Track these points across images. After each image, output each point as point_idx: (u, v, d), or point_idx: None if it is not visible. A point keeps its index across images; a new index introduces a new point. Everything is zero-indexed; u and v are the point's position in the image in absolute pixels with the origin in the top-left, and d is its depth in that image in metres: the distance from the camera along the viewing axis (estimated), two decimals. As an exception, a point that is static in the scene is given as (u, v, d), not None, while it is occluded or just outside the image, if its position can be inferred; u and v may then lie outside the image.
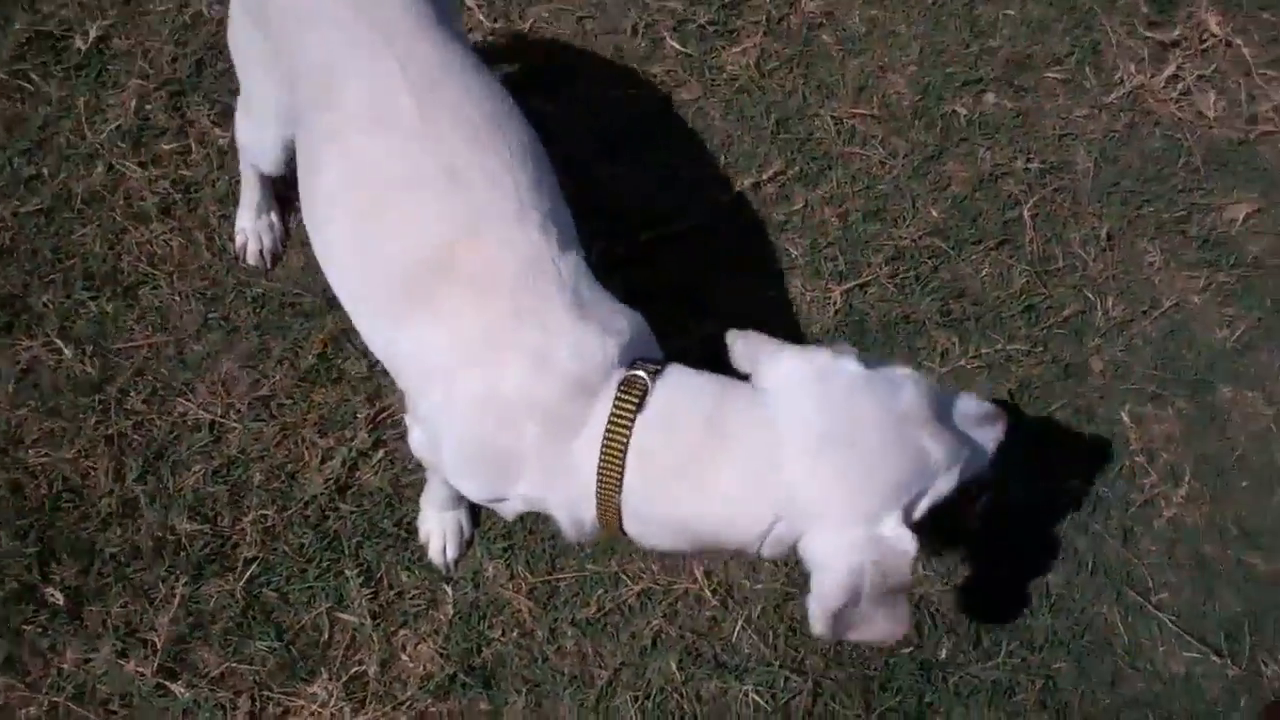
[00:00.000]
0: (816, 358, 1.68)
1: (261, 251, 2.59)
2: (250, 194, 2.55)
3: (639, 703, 2.33)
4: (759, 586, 2.45)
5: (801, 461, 1.60)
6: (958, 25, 3.10)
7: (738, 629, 2.43)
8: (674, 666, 2.36)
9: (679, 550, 1.84)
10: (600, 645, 2.39)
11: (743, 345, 1.75)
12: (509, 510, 1.83)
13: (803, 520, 1.60)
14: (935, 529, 2.38)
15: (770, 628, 2.43)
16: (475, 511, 2.41)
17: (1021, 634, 2.44)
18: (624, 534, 1.72)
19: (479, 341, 1.68)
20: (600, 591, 2.42)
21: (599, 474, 1.65)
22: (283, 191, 2.60)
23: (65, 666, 2.34)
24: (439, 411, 1.77)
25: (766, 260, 2.75)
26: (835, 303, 2.72)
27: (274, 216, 2.59)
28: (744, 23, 3.06)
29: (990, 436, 1.76)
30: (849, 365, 1.67)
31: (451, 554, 2.41)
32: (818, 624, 1.63)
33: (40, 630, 2.36)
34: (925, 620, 2.44)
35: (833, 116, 2.94)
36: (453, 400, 1.73)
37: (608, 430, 1.64)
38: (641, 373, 1.65)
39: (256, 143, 2.29)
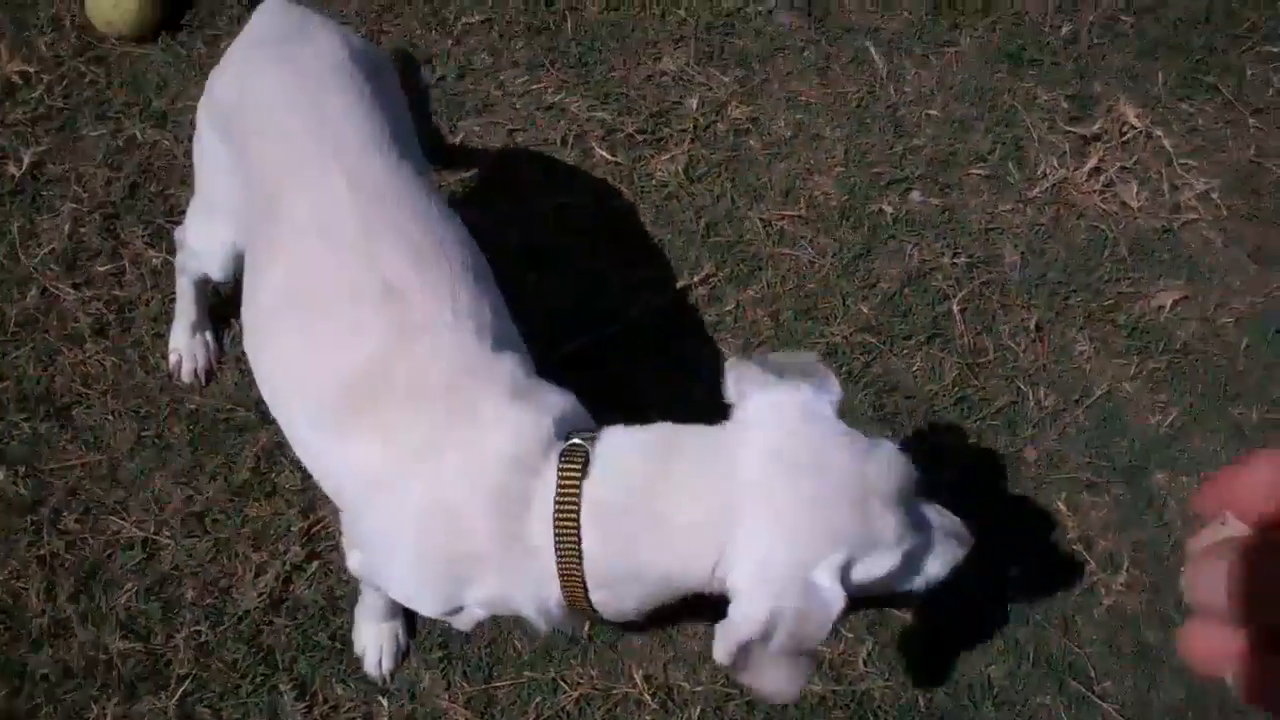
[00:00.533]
0: (804, 394, 1.69)
1: (196, 370, 2.69)
2: (186, 311, 2.65)
3: (579, 809, 2.38)
4: (699, 689, 2.52)
5: (754, 490, 1.61)
6: (881, 127, 3.27)
7: (680, 734, 2.48)
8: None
9: (648, 609, 1.80)
10: (540, 752, 2.45)
11: (734, 376, 1.75)
12: (467, 620, 1.86)
13: (742, 547, 1.61)
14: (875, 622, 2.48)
15: (714, 731, 2.49)
16: (411, 621, 2.48)
17: (964, 727, 2.51)
18: (592, 609, 1.73)
19: (417, 451, 1.70)
20: (538, 699, 2.49)
21: (556, 546, 1.66)
22: (216, 309, 2.71)
23: None
24: (384, 532, 1.79)
25: (701, 361, 2.86)
26: (767, 401, 2.82)
27: (208, 335, 2.69)
28: (671, 131, 3.22)
29: (947, 553, 1.79)
30: (830, 412, 1.69)
31: (387, 666, 2.46)
32: (721, 651, 1.62)
33: None
34: (869, 717, 2.51)
35: (761, 219, 3.08)
36: (399, 517, 1.77)
37: (557, 500, 1.66)
38: (578, 439, 1.66)
39: (208, 247, 2.38)
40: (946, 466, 2.78)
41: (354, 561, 2.00)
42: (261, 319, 2.00)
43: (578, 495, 1.66)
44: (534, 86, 3.27)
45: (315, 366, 1.87)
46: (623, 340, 2.87)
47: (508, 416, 1.74)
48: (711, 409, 2.64)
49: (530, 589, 1.74)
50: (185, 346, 2.69)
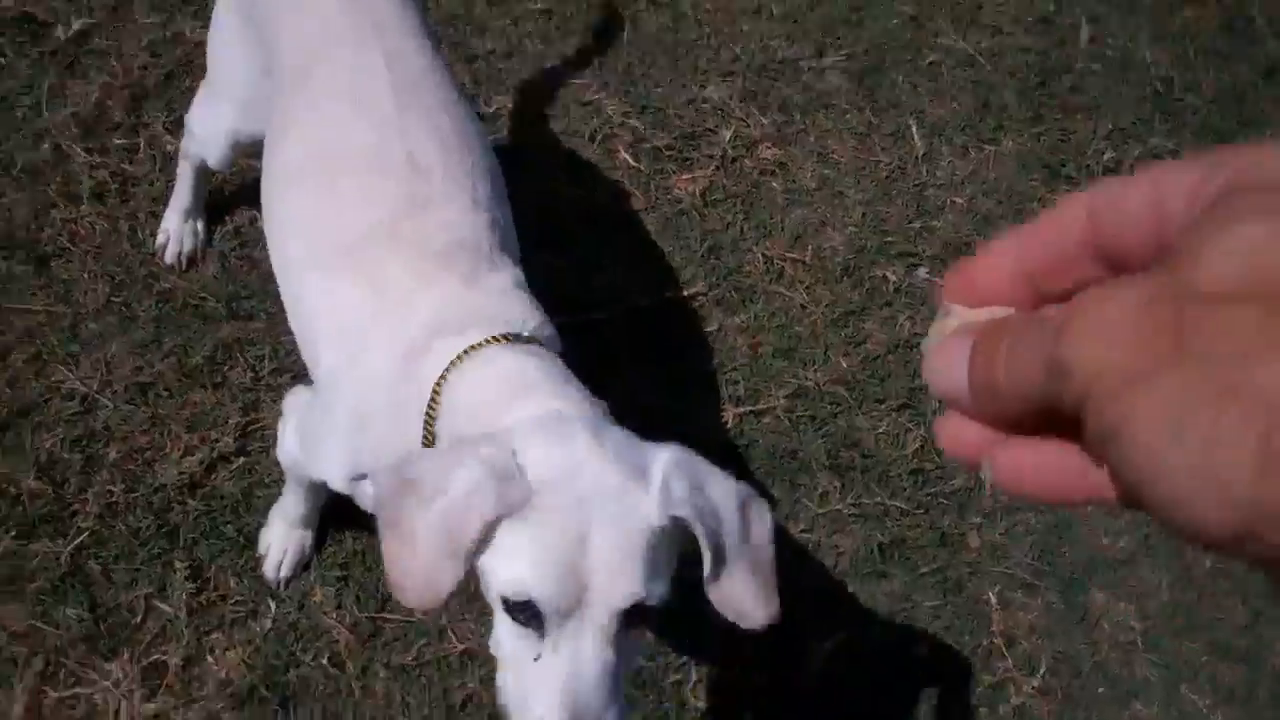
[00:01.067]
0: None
1: (180, 254, 2.81)
2: (182, 196, 2.78)
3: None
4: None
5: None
6: (905, 201, 3.39)
7: None
8: (480, 733, 2.47)
9: None
10: (410, 694, 2.50)
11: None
12: (366, 495, 1.92)
13: None
14: (778, 679, 2.54)
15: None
16: (320, 539, 2.56)
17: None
18: None
19: (394, 302, 1.81)
20: (423, 642, 2.55)
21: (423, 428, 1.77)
22: (212, 203, 2.84)
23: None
24: (333, 375, 1.93)
25: (672, 368, 2.97)
26: (729, 422, 2.92)
27: (199, 224, 2.82)
28: (699, 155, 3.36)
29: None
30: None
31: (285, 572, 2.52)
32: None
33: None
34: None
35: (765, 255, 3.20)
36: (354, 367, 1.88)
37: (433, 388, 1.77)
38: (525, 334, 1.77)
39: (213, 132, 2.51)
40: (886, 530, 2.84)
41: (287, 441, 2.10)
42: (282, 174, 2.11)
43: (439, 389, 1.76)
44: (575, 81, 3.41)
45: (326, 217, 1.99)
46: (603, 328, 2.97)
47: (496, 287, 1.87)
48: (671, 417, 2.75)
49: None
50: (175, 229, 2.81)
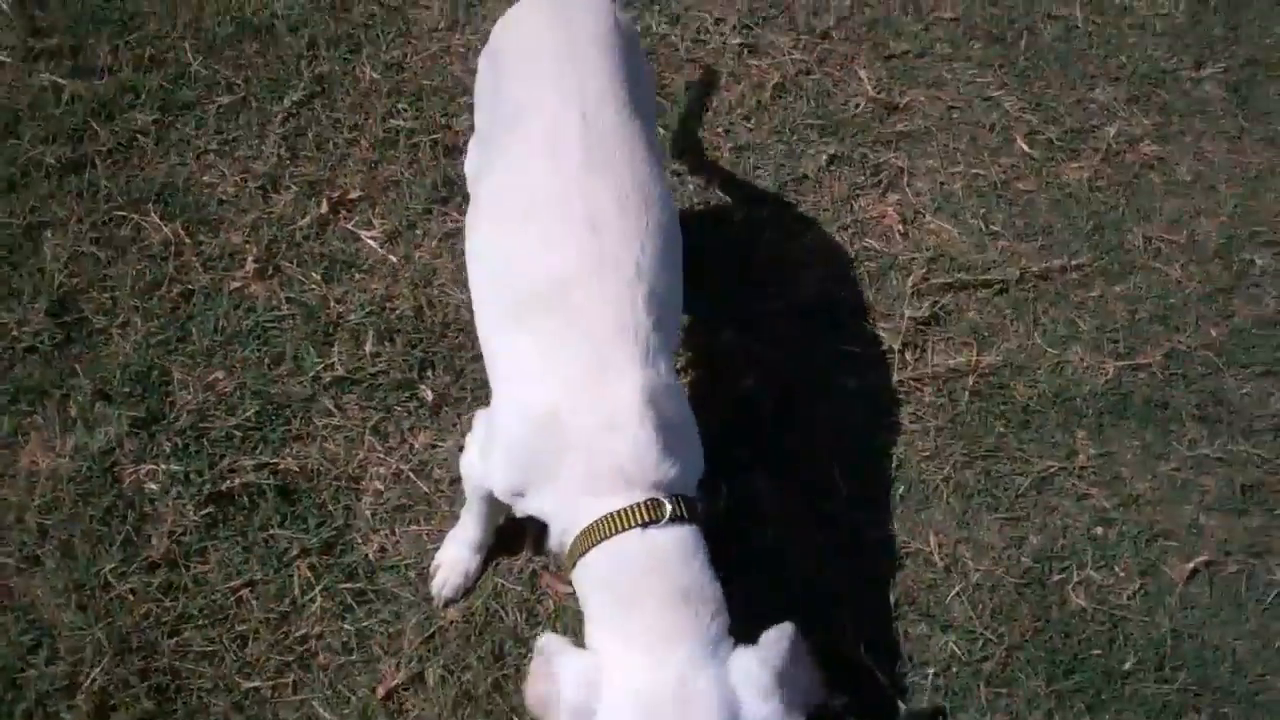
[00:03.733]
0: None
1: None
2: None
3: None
4: (980, 569, 3.14)
5: None
6: (1275, 198, 3.86)
7: (953, 594, 3.10)
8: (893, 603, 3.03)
9: None
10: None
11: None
12: (520, 508, 2.28)
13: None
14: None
15: (982, 601, 3.09)
16: (483, 569, 2.94)
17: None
18: (571, 569, 2.17)
19: (563, 371, 2.14)
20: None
21: (584, 534, 2.12)
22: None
23: (417, 444, 3.21)
24: (508, 408, 2.26)
25: (1054, 324, 3.49)
26: (1108, 374, 3.44)
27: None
28: (1086, 147, 3.90)
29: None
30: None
31: (446, 595, 2.91)
32: None
33: (405, 414, 3.25)
34: (1118, 636, 3.05)
35: (1144, 235, 3.70)
36: (526, 403, 2.18)
37: (610, 520, 2.09)
38: (668, 506, 2.09)
39: (479, 173, 2.76)
40: (1247, 474, 3.31)
41: (469, 455, 2.52)
42: (482, 205, 2.46)
43: (620, 533, 2.08)
44: (979, 79, 4.00)
45: (510, 257, 2.30)
46: (994, 287, 3.55)
47: (644, 434, 2.13)
48: (1053, 369, 3.28)
49: (560, 531, 2.19)
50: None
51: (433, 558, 2.93)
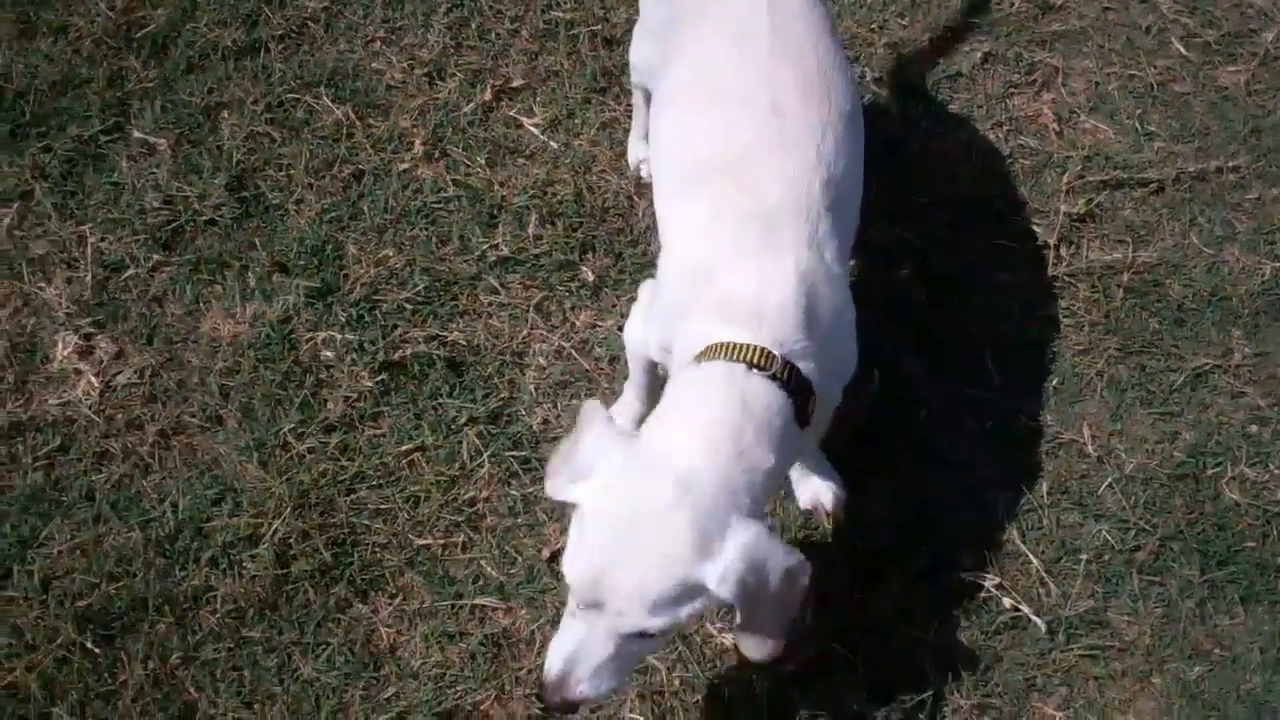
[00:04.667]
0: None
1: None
2: (639, 122, 3.23)
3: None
4: (1134, 461, 3.06)
5: None
6: None
7: (1105, 484, 3.04)
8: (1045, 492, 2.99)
9: None
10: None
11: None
12: (663, 361, 2.39)
13: None
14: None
15: (1135, 492, 3.02)
16: None
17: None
18: None
19: (731, 236, 2.15)
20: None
21: (699, 354, 2.13)
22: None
23: (578, 323, 3.20)
24: (673, 267, 2.28)
25: (1210, 224, 3.37)
26: (1264, 275, 3.32)
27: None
28: (1243, 51, 3.75)
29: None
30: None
31: None
32: None
33: (567, 294, 3.24)
34: (1272, 531, 2.97)
35: (1310, 138, 3.58)
36: (689, 259, 2.22)
37: (723, 347, 2.10)
38: (779, 361, 2.07)
39: (645, 60, 2.82)
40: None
41: (634, 315, 2.58)
42: (666, 94, 2.46)
43: (718, 355, 2.09)
44: (1135, -21, 3.87)
45: (692, 139, 2.30)
46: (1154, 185, 3.45)
47: (789, 309, 2.11)
48: (1209, 267, 3.32)
49: (686, 348, 2.17)
50: (642, 156, 3.26)
51: None
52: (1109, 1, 3.75)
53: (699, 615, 2.01)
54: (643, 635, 1.94)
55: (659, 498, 1.89)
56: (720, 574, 1.87)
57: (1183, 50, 3.64)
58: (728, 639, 2.66)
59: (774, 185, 2.16)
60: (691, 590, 1.89)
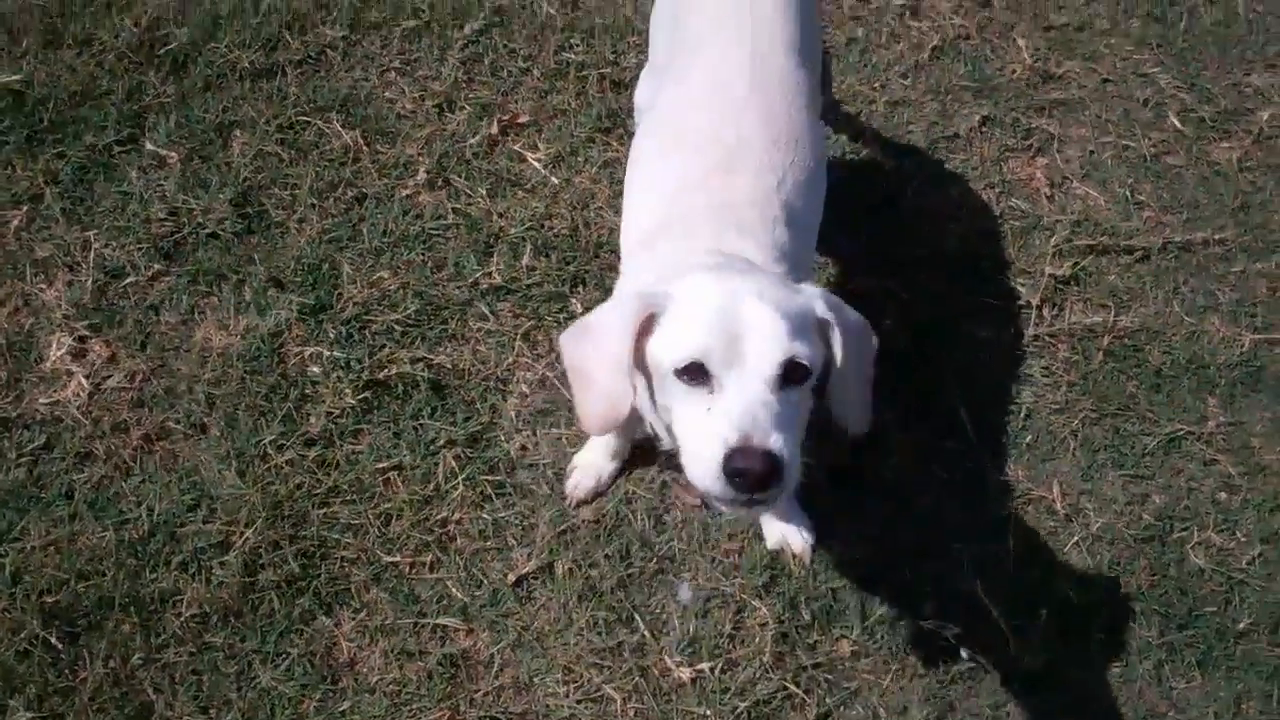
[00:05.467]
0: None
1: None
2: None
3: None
4: (1101, 521, 2.98)
5: None
6: None
7: (1072, 542, 2.96)
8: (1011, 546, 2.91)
9: None
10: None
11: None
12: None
13: None
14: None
15: (1100, 552, 2.92)
16: (618, 475, 2.92)
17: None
18: None
19: (692, 216, 2.26)
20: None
21: None
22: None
23: (564, 354, 3.15)
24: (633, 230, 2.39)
25: (1193, 294, 3.31)
26: (1244, 346, 3.26)
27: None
28: (1238, 129, 3.70)
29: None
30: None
31: (578, 496, 2.87)
32: None
33: (555, 324, 3.19)
34: (1235, 598, 2.89)
35: (1294, 219, 3.52)
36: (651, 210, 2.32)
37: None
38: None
39: (647, 101, 2.83)
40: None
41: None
42: (648, 126, 2.54)
43: None
44: (1136, 56, 3.83)
45: (663, 166, 2.39)
46: (1134, 254, 3.39)
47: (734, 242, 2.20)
48: (1188, 336, 3.20)
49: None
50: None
51: (570, 460, 2.81)
52: (1109, 73, 3.69)
53: (819, 361, 1.90)
54: (791, 374, 1.83)
55: (736, 268, 1.97)
56: (817, 299, 1.93)
57: (1178, 124, 3.59)
58: (685, 673, 2.58)
59: (737, 192, 2.26)
60: (806, 317, 1.89)
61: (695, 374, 1.80)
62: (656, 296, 1.91)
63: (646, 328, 1.92)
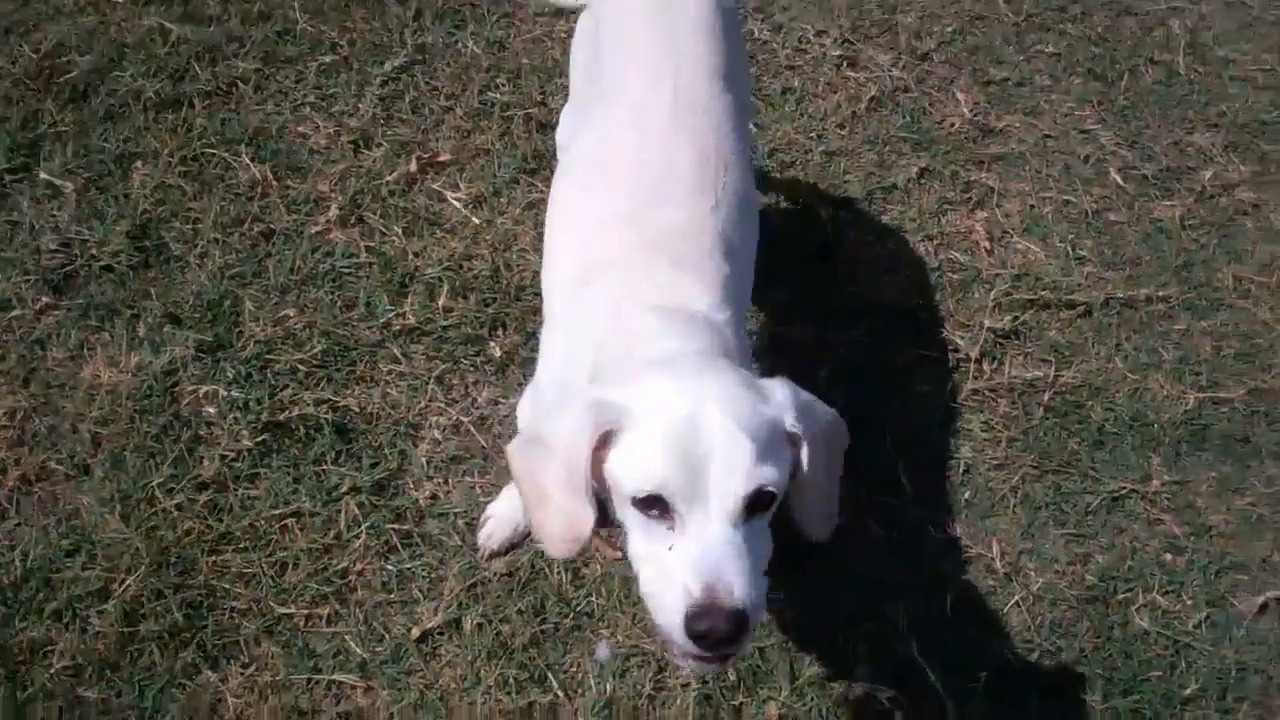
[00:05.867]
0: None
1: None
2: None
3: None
4: (1042, 580, 2.92)
5: None
6: (1371, 254, 3.66)
7: (1012, 602, 2.90)
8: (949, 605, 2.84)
9: None
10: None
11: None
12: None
13: None
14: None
15: (1042, 613, 2.86)
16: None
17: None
18: None
19: (617, 259, 2.15)
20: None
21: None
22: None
23: (480, 399, 3.06)
24: (558, 309, 2.27)
25: (1136, 351, 3.29)
26: (1188, 404, 3.23)
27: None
28: (1180, 187, 3.72)
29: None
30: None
31: (491, 547, 2.76)
32: None
33: (471, 368, 3.12)
34: (1180, 662, 2.83)
35: (1234, 275, 3.51)
36: (577, 300, 2.17)
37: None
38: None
39: (569, 138, 2.76)
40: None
41: (522, 402, 2.49)
42: (566, 166, 2.47)
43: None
44: (1077, 112, 3.86)
45: (586, 202, 2.31)
46: (1075, 309, 3.37)
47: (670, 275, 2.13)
48: (1133, 393, 3.19)
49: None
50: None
51: (484, 509, 2.72)
52: (1049, 129, 3.71)
53: (785, 480, 1.78)
54: (757, 503, 1.74)
55: (696, 369, 1.83)
56: (786, 409, 1.81)
57: (1120, 181, 3.61)
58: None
59: (670, 223, 2.19)
60: (775, 429, 1.77)
61: (654, 505, 1.72)
62: (612, 410, 1.77)
63: (604, 439, 1.80)
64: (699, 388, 1.76)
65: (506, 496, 2.75)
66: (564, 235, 2.35)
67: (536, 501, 1.89)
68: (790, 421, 1.79)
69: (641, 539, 1.77)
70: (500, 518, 2.75)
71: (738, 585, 1.68)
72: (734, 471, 1.70)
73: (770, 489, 1.72)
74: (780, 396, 1.82)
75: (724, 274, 2.16)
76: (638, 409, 1.74)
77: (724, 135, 2.37)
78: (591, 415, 1.76)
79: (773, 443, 1.75)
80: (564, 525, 1.83)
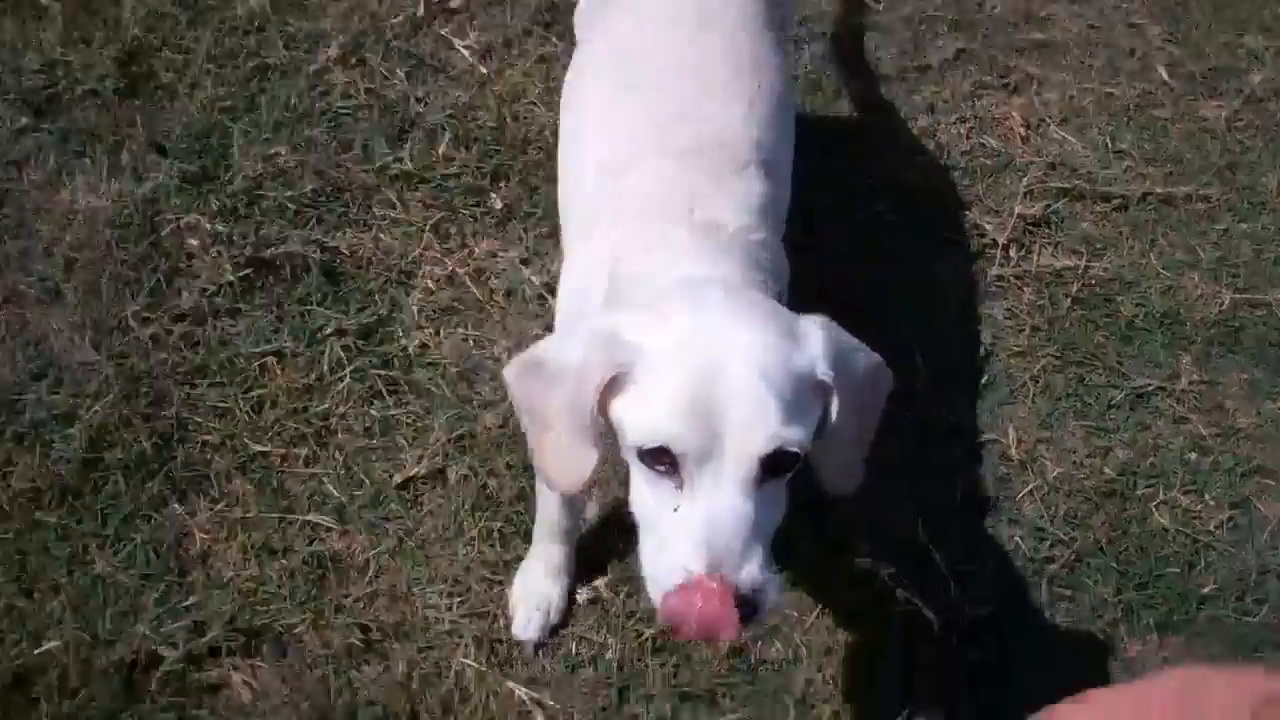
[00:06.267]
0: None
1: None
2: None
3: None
4: (1058, 470, 2.85)
5: None
6: None
7: (1025, 490, 2.82)
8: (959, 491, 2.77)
9: None
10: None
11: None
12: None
13: None
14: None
15: (1056, 503, 2.79)
16: (569, 600, 2.51)
17: None
18: None
19: (661, 185, 2.01)
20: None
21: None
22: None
23: (478, 250, 2.98)
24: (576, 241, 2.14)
25: (1172, 249, 3.23)
26: (1223, 305, 3.15)
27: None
28: (1229, 88, 3.60)
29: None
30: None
31: (531, 634, 2.44)
32: None
33: (471, 218, 3.04)
34: (1199, 561, 2.76)
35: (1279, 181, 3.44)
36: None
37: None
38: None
39: (588, 23, 2.57)
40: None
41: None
42: (585, 65, 2.35)
43: None
44: (1125, 5, 3.76)
45: (616, 111, 2.17)
46: (1118, 199, 3.28)
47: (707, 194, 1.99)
48: (1168, 296, 3.27)
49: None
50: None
51: (511, 588, 2.52)
52: (1095, 20, 3.62)
53: (810, 438, 1.64)
54: (776, 463, 1.59)
55: (723, 308, 1.67)
56: (819, 356, 1.64)
57: (1166, 77, 3.52)
58: (582, 594, 2.46)
59: (704, 131, 2.08)
60: (804, 382, 1.62)
61: (662, 459, 1.58)
62: (624, 350, 1.62)
63: (615, 378, 1.65)
64: (723, 332, 1.61)
65: (526, 570, 2.49)
66: (587, 142, 2.22)
67: (538, 427, 1.76)
68: (823, 370, 1.64)
69: (646, 493, 1.64)
70: (528, 599, 2.46)
71: (744, 565, 1.56)
72: (753, 433, 1.56)
73: (793, 449, 1.58)
74: (814, 341, 1.66)
75: (761, 189, 2.04)
76: (653, 351, 1.60)
77: (755, 30, 2.28)
78: (601, 354, 1.62)
79: (800, 397, 1.61)
80: (564, 461, 1.72)
